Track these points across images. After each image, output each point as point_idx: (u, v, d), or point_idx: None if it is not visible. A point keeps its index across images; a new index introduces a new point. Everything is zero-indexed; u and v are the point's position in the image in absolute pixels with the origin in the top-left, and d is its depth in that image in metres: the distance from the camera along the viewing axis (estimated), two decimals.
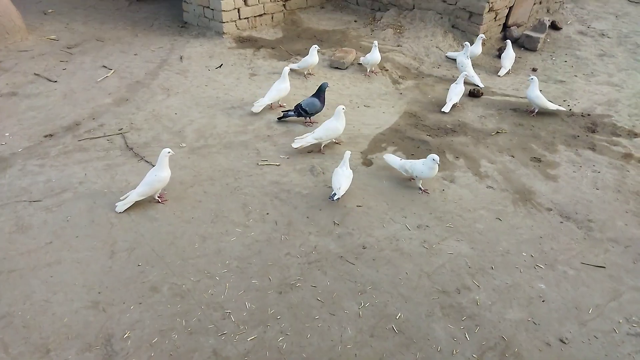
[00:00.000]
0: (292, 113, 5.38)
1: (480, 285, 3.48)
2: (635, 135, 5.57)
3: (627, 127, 5.73)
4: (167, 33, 7.93)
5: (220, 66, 6.84)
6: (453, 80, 6.81)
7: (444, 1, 7.74)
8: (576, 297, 3.40)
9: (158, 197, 4.20)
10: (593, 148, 5.28)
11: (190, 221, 4.00)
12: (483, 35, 7.08)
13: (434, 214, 4.18)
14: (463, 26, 7.68)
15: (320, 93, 5.33)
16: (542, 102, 5.75)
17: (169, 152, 4.11)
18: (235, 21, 7.66)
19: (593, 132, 5.63)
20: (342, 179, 4.17)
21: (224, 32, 7.57)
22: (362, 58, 6.81)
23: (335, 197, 4.08)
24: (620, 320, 3.21)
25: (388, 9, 8.46)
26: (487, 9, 7.34)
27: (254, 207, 4.19)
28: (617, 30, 9.28)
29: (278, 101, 5.82)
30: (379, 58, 6.63)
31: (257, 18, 7.99)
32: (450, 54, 7.43)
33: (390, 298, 3.35)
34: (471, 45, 6.95)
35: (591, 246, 3.87)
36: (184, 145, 5.02)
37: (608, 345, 3.05)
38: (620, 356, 2.98)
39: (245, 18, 7.79)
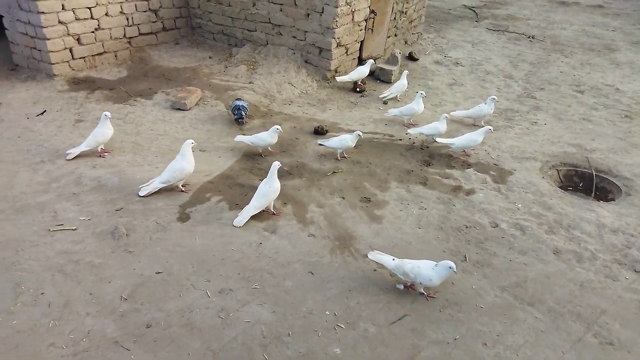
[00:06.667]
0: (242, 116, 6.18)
1: (270, 359, 3.12)
2: (469, 165, 5.66)
3: (462, 158, 5.81)
4: None
5: (42, 113, 6.12)
6: (304, 117, 6.65)
7: (295, 37, 7.64)
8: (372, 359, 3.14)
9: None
10: (425, 183, 5.25)
11: None
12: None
13: (242, 274, 3.81)
14: (315, 61, 7.61)
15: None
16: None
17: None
18: (68, 62, 6.98)
19: (428, 165, 5.64)
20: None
21: (55, 74, 6.86)
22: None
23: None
24: None
25: (244, 45, 8.22)
26: (335, 45, 7.32)
27: (28, 286, 3.56)
28: (471, 58, 9.79)
29: (98, 147, 5.27)
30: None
31: (97, 57, 7.36)
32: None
33: None
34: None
35: (399, 296, 3.69)
36: None
37: None
38: None
39: (81, 58, 7.13)
